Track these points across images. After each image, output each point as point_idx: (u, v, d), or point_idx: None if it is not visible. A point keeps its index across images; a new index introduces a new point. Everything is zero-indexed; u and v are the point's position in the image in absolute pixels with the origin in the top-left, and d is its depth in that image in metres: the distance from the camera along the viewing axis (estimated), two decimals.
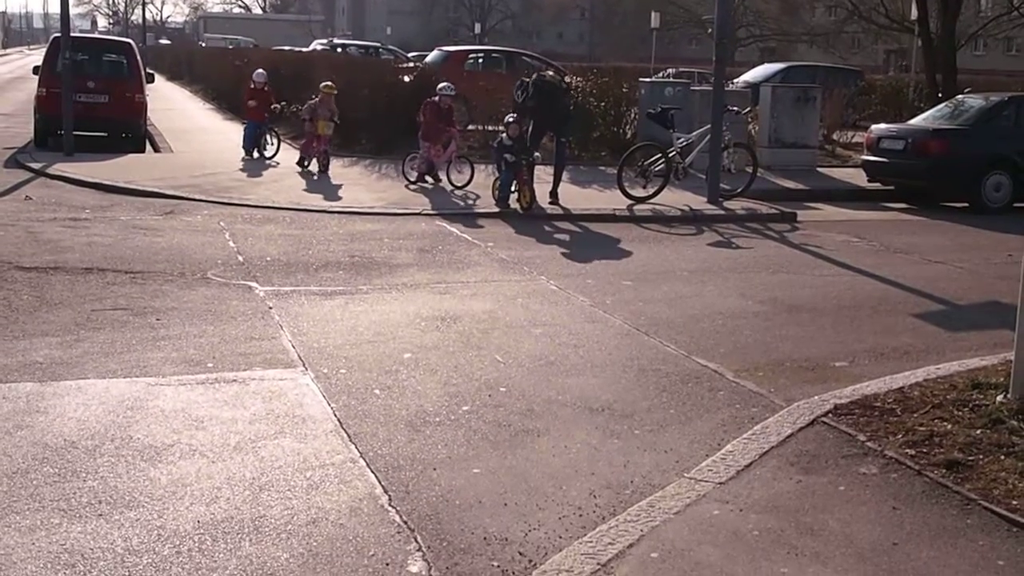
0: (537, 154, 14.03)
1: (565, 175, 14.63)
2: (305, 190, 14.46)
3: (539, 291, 8.97)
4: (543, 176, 13.98)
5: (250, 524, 4.35)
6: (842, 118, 23.63)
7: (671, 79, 26.62)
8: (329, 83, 16.63)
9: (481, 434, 5.52)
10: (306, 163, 16.39)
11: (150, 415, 5.60)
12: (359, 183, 15.31)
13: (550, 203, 13.63)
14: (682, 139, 15.00)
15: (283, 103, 18.73)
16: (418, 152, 15.21)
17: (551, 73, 16.09)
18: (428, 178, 15.14)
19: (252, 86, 17.90)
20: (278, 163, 17.10)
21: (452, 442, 5.39)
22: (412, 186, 14.90)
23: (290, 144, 18.62)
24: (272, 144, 17.67)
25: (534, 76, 14.20)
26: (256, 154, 17.64)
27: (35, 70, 19.37)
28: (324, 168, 16.01)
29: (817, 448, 5.11)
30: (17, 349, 6.65)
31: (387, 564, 4.07)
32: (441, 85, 15.66)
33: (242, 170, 16.28)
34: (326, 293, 8.63)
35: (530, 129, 13.54)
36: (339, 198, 13.98)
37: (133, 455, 5.04)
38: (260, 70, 18.34)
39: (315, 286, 8.86)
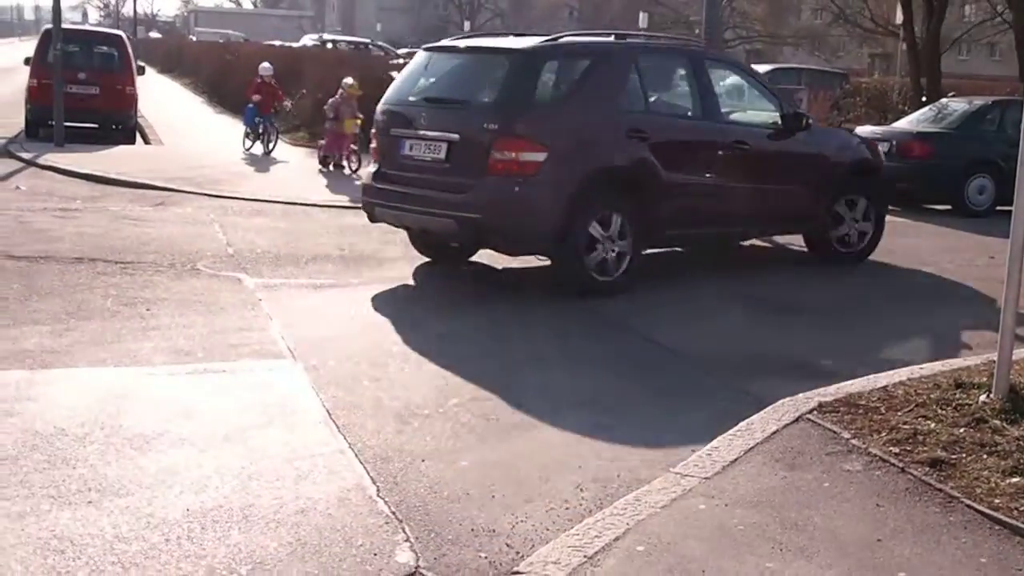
0: None
1: None
2: (294, 184, 14.47)
3: (528, 285, 9.00)
4: None
5: (239, 513, 4.38)
6: (827, 120, 23.69)
7: None
8: (351, 81, 16.18)
9: (469, 427, 5.55)
10: (331, 163, 15.93)
11: (139, 404, 5.62)
12: (349, 177, 15.32)
13: None
14: None
15: (290, 102, 18.60)
16: None
17: None
18: None
19: (258, 80, 17.74)
20: (274, 158, 17.08)
21: (440, 434, 5.42)
22: None
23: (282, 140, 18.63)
24: (272, 139, 17.58)
25: None
26: (252, 147, 17.56)
27: (26, 61, 19.34)
28: (357, 167, 15.65)
29: (802, 445, 5.15)
30: (8, 337, 6.66)
31: (375, 554, 4.10)
32: None
33: (232, 163, 16.29)
34: (315, 286, 8.66)
35: None
36: (328, 192, 14.00)
37: (122, 443, 5.05)
38: (266, 64, 18.12)
39: (304, 279, 8.88)
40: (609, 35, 9.82)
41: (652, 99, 9.29)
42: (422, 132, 8.72)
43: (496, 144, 8.26)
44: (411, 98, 9.14)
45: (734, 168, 9.46)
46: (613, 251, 8.64)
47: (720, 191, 9.39)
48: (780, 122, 10.02)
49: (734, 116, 10.08)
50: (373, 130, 9.50)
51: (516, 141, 8.29)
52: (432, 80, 9.19)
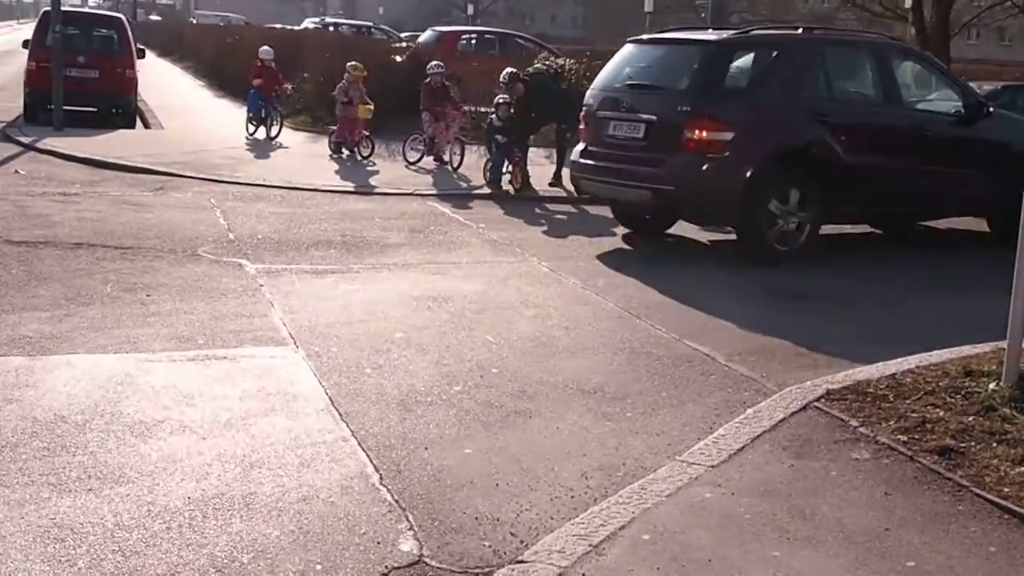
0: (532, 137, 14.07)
1: None
2: (296, 169, 14.39)
3: (531, 273, 8.95)
4: (540, 160, 13.94)
5: (241, 501, 4.34)
6: None
7: None
8: (356, 63, 15.95)
9: (473, 414, 5.51)
10: (343, 149, 15.64)
11: (140, 391, 5.58)
12: (351, 162, 15.26)
13: (551, 185, 13.55)
14: None
15: (290, 85, 18.50)
16: (419, 133, 15.09)
17: (537, 65, 15.86)
18: (432, 159, 15.00)
19: (259, 63, 17.64)
20: (278, 143, 16.99)
21: (444, 422, 5.38)
22: (412, 166, 14.81)
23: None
24: (276, 123, 17.47)
25: (513, 74, 13.95)
26: (256, 132, 17.45)
27: (25, 44, 19.24)
28: (369, 153, 15.43)
29: (809, 433, 5.11)
30: (6, 323, 6.61)
31: (378, 542, 4.06)
32: (430, 65, 15.55)
33: (233, 147, 16.21)
34: (317, 272, 8.60)
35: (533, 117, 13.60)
36: (331, 177, 13.93)
37: (123, 430, 5.01)
38: (266, 47, 17.99)
39: (306, 264, 8.83)
40: (796, 28, 11.12)
41: (834, 86, 10.25)
42: (624, 114, 10.08)
43: (688, 124, 9.45)
44: (616, 84, 10.47)
45: (912, 152, 10.33)
46: (793, 223, 9.64)
47: (896, 172, 10.16)
48: (963, 110, 10.79)
49: (915, 104, 10.94)
50: (583, 112, 10.79)
51: (706, 122, 9.44)
52: (635, 68, 10.48)
